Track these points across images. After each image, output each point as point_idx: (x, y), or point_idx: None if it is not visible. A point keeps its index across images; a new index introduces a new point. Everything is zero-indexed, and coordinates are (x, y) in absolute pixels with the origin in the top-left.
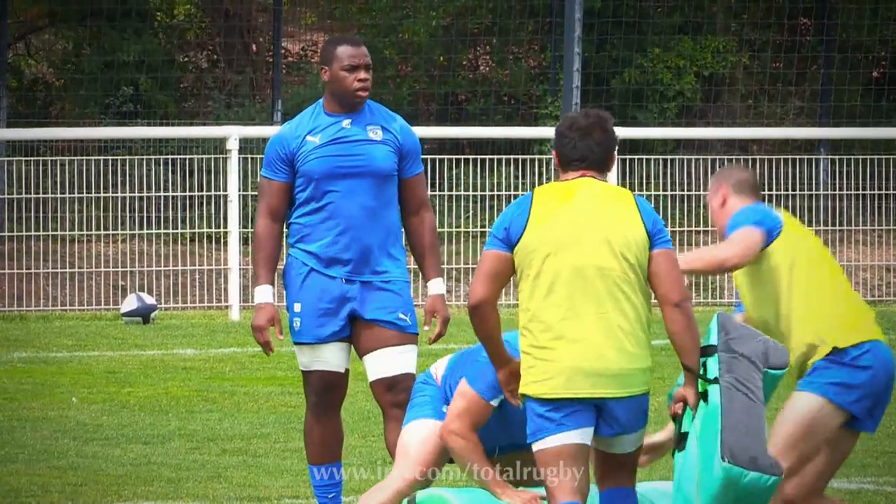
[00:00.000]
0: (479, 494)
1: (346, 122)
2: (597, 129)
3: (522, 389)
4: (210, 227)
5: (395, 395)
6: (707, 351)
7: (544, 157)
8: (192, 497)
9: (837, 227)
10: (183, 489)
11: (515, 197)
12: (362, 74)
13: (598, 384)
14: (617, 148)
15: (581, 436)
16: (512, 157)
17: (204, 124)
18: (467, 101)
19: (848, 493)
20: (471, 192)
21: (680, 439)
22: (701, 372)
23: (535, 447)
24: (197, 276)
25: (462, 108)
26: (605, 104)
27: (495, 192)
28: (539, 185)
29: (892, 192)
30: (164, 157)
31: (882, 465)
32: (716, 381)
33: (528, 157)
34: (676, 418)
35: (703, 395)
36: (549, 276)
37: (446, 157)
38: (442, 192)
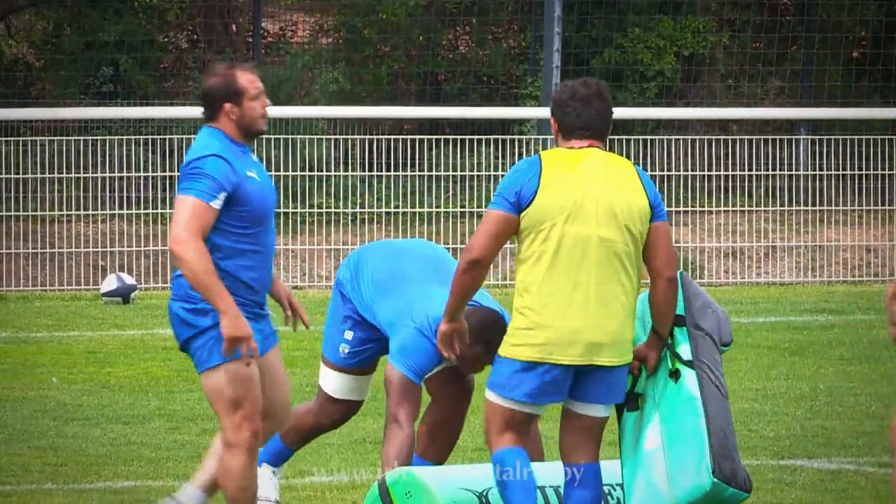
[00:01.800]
0: (450, 473)
1: None
2: (597, 98)
3: (511, 352)
4: None
5: None
6: (676, 321)
7: (524, 137)
8: (173, 477)
9: (817, 207)
10: (163, 469)
11: (495, 178)
12: None
13: (591, 351)
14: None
15: (541, 409)
16: (492, 137)
17: (184, 104)
18: (446, 81)
19: (829, 474)
20: (450, 173)
21: (632, 399)
22: (669, 341)
23: (493, 397)
24: None
25: (441, 89)
26: None
27: (475, 173)
28: None
29: (871, 172)
30: (144, 137)
31: (862, 445)
32: (690, 364)
33: (507, 137)
34: (631, 375)
35: (674, 374)
36: (553, 244)
37: (425, 137)
38: (421, 173)
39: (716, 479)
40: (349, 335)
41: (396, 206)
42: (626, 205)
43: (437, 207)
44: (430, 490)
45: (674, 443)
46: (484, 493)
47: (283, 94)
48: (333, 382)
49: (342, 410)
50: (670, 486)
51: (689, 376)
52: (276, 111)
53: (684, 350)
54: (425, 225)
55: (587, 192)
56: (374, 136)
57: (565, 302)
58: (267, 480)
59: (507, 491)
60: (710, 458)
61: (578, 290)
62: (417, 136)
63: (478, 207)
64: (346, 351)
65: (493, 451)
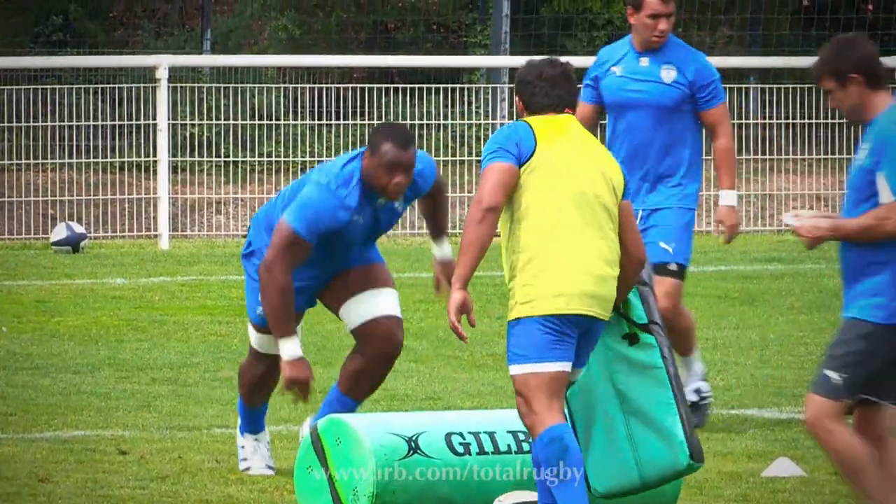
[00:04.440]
0: (381, 419)
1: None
2: (564, 79)
3: (522, 311)
4: (139, 156)
5: None
6: None
7: (473, 86)
8: (122, 426)
9: (767, 156)
10: (112, 418)
11: (444, 126)
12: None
13: (597, 305)
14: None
15: (570, 365)
16: (441, 86)
17: (133, 53)
18: (396, 30)
19: (779, 423)
20: (400, 121)
21: None
22: (623, 308)
23: (524, 369)
24: (126, 206)
25: (391, 37)
26: (534, 33)
27: (425, 122)
28: (468, 113)
29: (821, 120)
30: (94, 86)
31: None
32: (646, 328)
33: (457, 86)
34: None
35: (631, 338)
36: (557, 198)
37: (375, 86)
38: (370, 122)
39: (690, 462)
40: None
41: None
42: (610, 170)
43: None
44: (359, 436)
45: (639, 415)
46: (413, 438)
47: (232, 42)
48: (257, 340)
49: (272, 361)
50: (639, 461)
51: (650, 341)
52: (225, 59)
53: (639, 313)
54: None
55: (580, 153)
56: (324, 85)
57: (572, 255)
58: (252, 451)
59: (562, 466)
60: (687, 439)
61: (582, 245)
62: (367, 85)
63: None
64: (260, 311)
65: (545, 427)
